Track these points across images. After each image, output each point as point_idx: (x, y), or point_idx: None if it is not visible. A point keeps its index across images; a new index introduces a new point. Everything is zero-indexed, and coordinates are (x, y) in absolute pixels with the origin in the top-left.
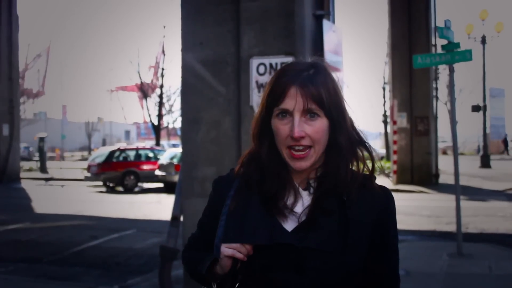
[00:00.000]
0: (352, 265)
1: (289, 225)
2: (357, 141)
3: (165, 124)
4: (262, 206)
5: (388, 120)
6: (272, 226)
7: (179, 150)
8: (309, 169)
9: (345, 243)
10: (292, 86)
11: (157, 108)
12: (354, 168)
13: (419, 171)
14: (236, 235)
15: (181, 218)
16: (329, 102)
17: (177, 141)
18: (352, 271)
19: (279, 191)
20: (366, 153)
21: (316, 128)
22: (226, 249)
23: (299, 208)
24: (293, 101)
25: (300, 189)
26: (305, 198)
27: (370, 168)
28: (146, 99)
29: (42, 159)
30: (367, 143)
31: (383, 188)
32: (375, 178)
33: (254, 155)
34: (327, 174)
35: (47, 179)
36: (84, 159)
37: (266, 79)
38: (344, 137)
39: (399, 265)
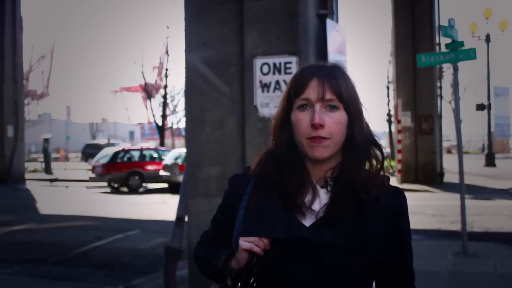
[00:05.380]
0: (367, 261)
1: (307, 222)
2: (372, 141)
3: (169, 125)
4: (280, 202)
5: (392, 119)
6: (290, 221)
7: (183, 150)
8: (327, 166)
9: (362, 240)
10: (314, 78)
11: (161, 108)
12: (368, 167)
13: (424, 170)
14: (255, 229)
15: (186, 218)
16: (348, 97)
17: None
18: (367, 268)
19: (298, 189)
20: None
21: (335, 120)
22: (244, 243)
23: (316, 206)
24: (314, 91)
25: (318, 187)
26: (323, 196)
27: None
28: (150, 100)
29: (47, 160)
30: (380, 145)
31: (396, 188)
32: (389, 178)
33: (272, 154)
34: (344, 172)
35: (51, 180)
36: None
37: (269, 78)
38: (361, 135)
39: (413, 262)
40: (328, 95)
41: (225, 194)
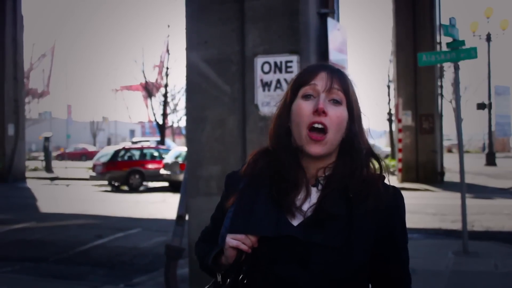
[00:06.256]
0: (356, 261)
1: (295, 221)
2: (369, 152)
3: (169, 123)
4: (270, 201)
5: (393, 118)
6: (278, 219)
7: (183, 148)
8: (321, 164)
9: (349, 240)
10: (323, 71)
11: (161, 107)
12: (364, 170)
13: (424, 169)
14: (242, 227)
15: (186, 217)
16: (352, 96)
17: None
18: (356, 268)
19: (290, 187)
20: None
21: (338, 112)
22: (231, 240)
23: (306, 205)
24: (322, 80)
25: (310, 186)
26: (313, 195)
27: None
28: (150, 98)
29: (47, 159)
30: (378, 156)
31: (392, 187)
32: (384, 177)
33: (265, 152)
34: (336, 172)
35: (52, 179)
36: (89, 158)
37: (271, 77)
38: (358, 138)
39: (409, 264)
40: (334, 88)
41: (223, 191)
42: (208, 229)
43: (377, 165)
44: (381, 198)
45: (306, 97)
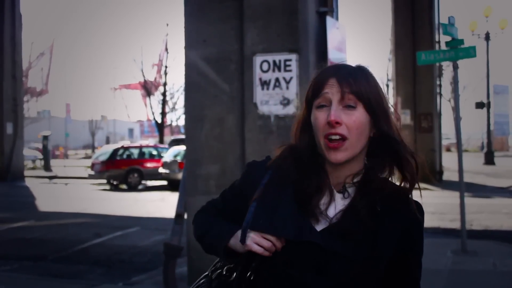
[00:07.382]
0: (374, 275)
1: (319, 226)
2: (404, 148)
3: (168, 122)
4: (294, 202)
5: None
6: (302, 222)
7: (182, 147)
8: (348, 171)
9: (371, 253)
10: (332, 78)
11: (160, 106)
12: (394, 177)
13: (423, 168)
14: (265, 226)
15: (185, 216)
16: (369, 96)
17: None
18: (373, 281)
19: (315, 192)
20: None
21: (353, 117)
22: (255, 246)
23: (331, 211)
24: (331, 89)
25: (335, 192)
26: (338, 202)
27: (409, 179)
28: (149, 97)
29: (46, 157)
30: (413, 152)
31: (416, 203)
32: (411, 191)
33: (293, 150)
34: (366, 181)
35: (51, 177)
36: (87, 157)
37: (269, 76)
38: (389, 137)
39: (420, 277)
40: (345, 93)
41: (242, 176)
42: (215, 203)
43: (413, 167)
44: (406, 215)
45: (321, 107)
